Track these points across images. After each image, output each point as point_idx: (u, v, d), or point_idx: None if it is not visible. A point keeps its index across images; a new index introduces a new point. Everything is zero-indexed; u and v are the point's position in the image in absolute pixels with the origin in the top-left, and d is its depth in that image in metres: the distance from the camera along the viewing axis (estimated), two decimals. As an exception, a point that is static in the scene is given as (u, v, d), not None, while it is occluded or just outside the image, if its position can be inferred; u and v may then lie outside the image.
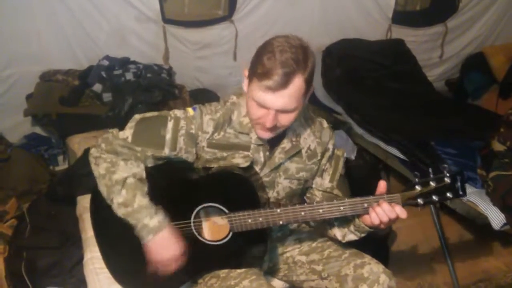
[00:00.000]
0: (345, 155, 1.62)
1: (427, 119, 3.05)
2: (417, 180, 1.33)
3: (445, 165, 1.34)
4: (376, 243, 2.24)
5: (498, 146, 2.33)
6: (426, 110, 3.21)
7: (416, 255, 2.53)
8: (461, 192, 1.34)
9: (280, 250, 1.57)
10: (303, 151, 1.49)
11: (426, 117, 3.09)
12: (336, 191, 1.55)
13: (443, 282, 2.34)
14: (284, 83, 1.22)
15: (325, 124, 1.56)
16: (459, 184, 1.33)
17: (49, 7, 2.88)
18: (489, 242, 2.65)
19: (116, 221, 1.30)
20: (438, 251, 2.37)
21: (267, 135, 1.36)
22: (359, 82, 3.38)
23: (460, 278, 2.25)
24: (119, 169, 1.30)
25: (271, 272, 1.57)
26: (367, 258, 1.43)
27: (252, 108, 1.32)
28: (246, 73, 1.34)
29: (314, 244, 1.53)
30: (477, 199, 2.32)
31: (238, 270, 1.40)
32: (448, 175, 1.32)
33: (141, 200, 1.28)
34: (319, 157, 1.52)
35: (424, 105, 3.30)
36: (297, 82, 1.24)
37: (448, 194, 1.33)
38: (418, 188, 1.33)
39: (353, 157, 3.05)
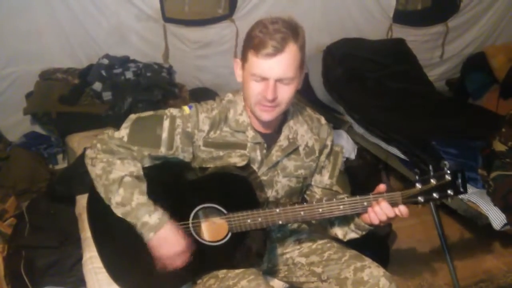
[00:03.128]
0: (343, 150, 1.62)
1: (428, 119, 3.04)
2: (417, 177, 1.31)
3: (446, 162, 1.30)
4: (377, 243, 2.23)
5: (499, 146, 2.32)
6: (426, 110, 3.20)
7: (417, 255, 2.52)
8: (462, 189, 1.31)
9: (279, 251, 1.56)
10: (301, 149, 1.48)
11: (427, 117, 3.08)
12: (335, 188, 1.55)
13: (443, 282, 2.33)
14: (281, 48, 1.25)
15: (323, 120, 1.56)
16: (460, 181, 1.30)
17: (49, 6, 2.87)
18: (489, 242, 2.64)
19: (113, 221, 1.29)
20: (439, 251, 2.36)
21: (269, 115, 1.34)
22: (359, 82, 3.37)
23: (460, 278, 2.25)
24: (115, 168, 1.29)
25: (271, 272, 1.56)
26: (368, 261, 1.41)
27: (251, 86, 1.31)
28: (238, 62, 1.37)
29: (314, 246, 1.52)
30: (478, 199, 2.31)
31: (237, 270, 1.39)
32: (449, 172, 1.29)
33: (139, 198, 1.27)
34: (317, 154, 1.52)
35: (425, 105, 3.29)
36: (293, 48, 1.27)
37: (449, 191, 1.30)
38: (418, 185, 1.30)
39: (353, 157, 3.05)
